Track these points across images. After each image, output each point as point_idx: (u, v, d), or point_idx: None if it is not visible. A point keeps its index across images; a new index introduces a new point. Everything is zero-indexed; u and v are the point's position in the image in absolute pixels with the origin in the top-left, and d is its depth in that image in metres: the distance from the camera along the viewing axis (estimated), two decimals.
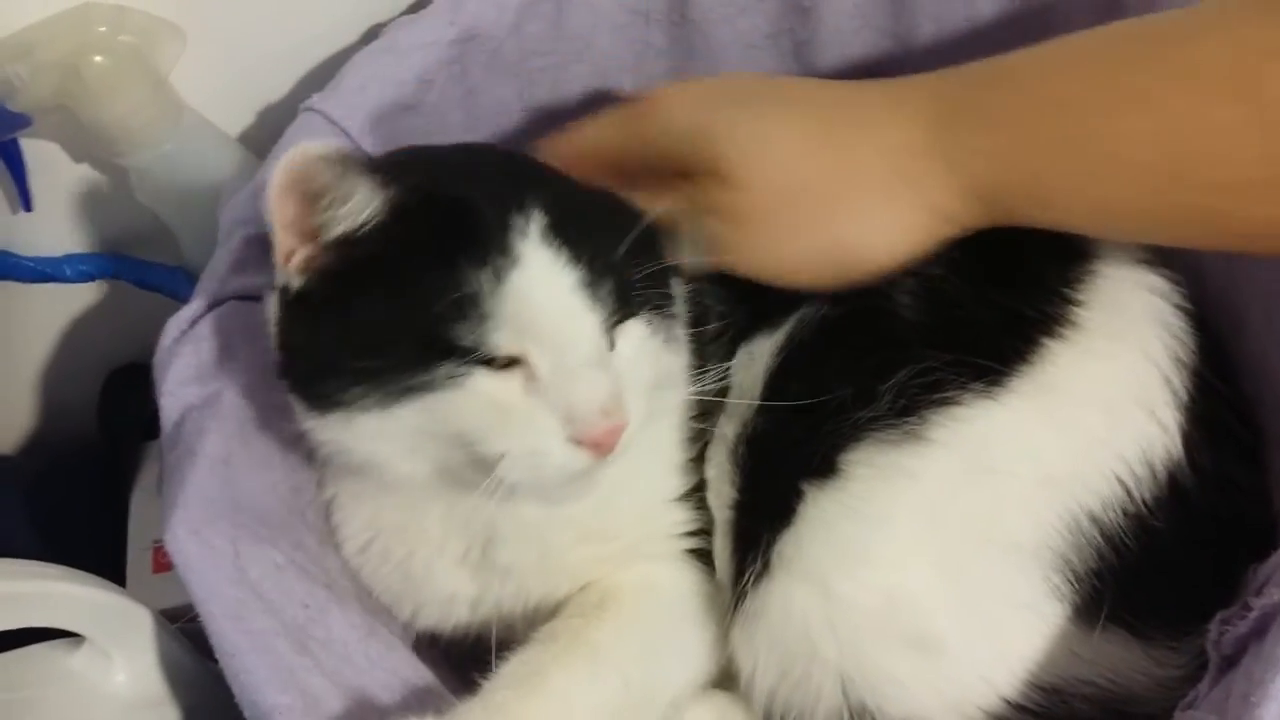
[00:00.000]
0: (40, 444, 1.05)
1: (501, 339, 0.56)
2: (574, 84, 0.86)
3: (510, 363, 0.57)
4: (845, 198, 0.64)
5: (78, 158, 0.86)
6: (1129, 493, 0.60)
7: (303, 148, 0.55)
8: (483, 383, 0.56)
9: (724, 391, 0.69)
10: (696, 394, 0.67)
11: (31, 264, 0.90)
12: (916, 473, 0.61)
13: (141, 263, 0.93)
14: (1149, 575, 0.60)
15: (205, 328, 0.70)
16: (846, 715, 0.62)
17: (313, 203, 0.56)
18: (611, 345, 0.59)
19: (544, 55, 0.84)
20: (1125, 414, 0.61)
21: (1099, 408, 0.62)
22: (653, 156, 0.68)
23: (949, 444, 0.61)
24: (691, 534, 0.70)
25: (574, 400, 0.56)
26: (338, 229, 0.57)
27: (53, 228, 0.90)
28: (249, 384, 0.68)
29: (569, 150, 0.70)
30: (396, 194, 0.57)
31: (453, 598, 0.68)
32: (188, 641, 0.71)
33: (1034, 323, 0.63)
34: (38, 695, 0.65)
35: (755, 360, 0.70)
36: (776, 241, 0.64)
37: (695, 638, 0.68)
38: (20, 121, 0.75)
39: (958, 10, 0.82)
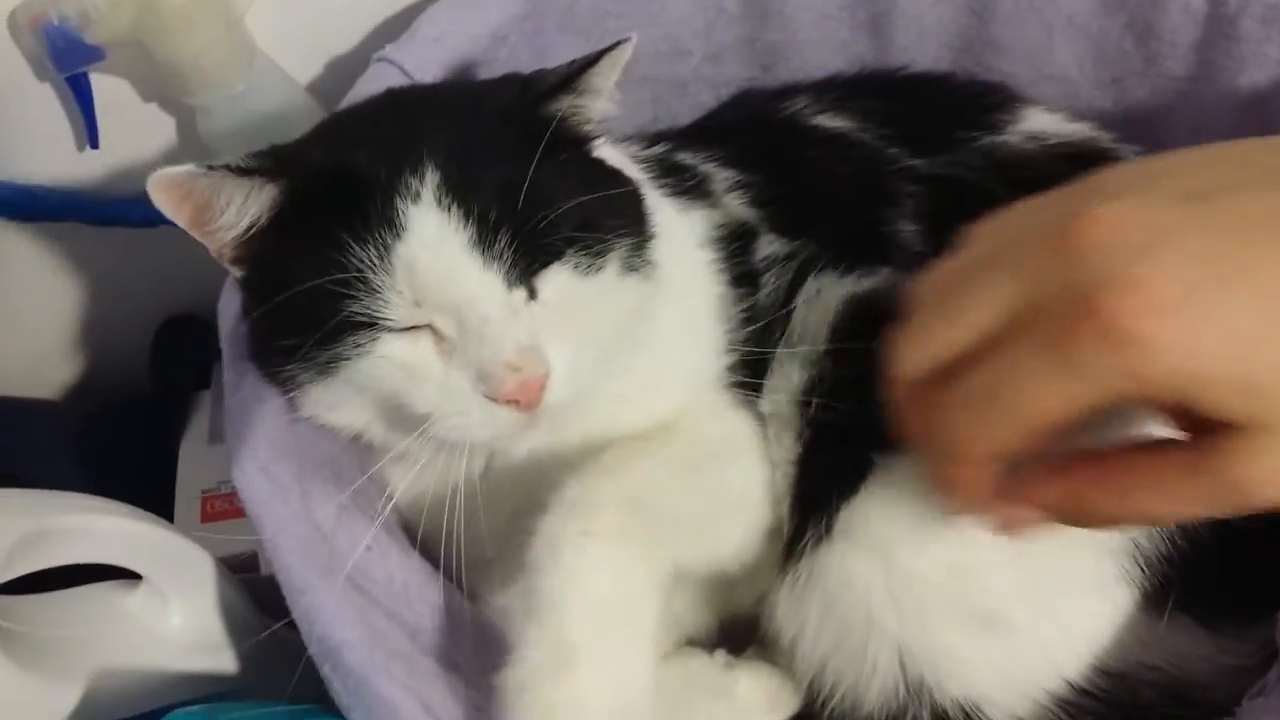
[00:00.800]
0: (91, 391, 1.06)
1: (396, 310, 0.56)
2: (645, 47, 0.85)
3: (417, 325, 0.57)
4: None
5: (146, 97, 0.86)
6: None
7: (158, 175, 0.56)
8: (390, 346, 0.57)
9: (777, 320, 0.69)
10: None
11: (95, 205, 0.90)
12: None
13: None
14: (1218, 564, 0.59)
15: None
16: (903, 690, 0.61)
17: (202, 211, 0.58)
18: (532, 294, 0.58)
19: (617, 17, 0.84)
20: None
21: None
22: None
23: None
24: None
25: (480, 359, 0.56)
26: (231, 233, 0.59)
27: (118, 169, 0.90)
28: None
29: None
30: (286, 182, 0.57)
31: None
32: (243, 588, 0.71)
33: None
34: (94, 633, 0.65)
35: (824, 298, 0.68)
36: None
37: (758, 466, 0.67)
38: (93, 54, 0.75)
39: None
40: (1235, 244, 0.44)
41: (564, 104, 0.60)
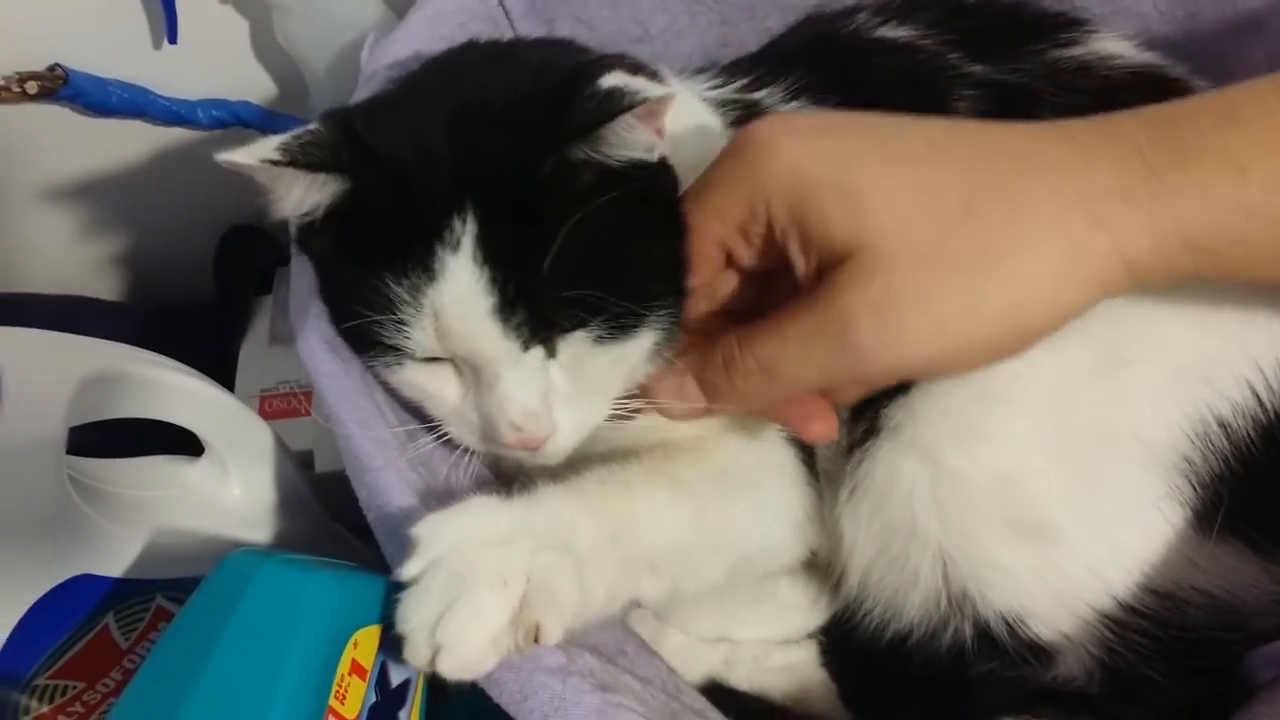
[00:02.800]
0: (157, 294, 1.07)
1: (420, 345, 0.56)
2: None
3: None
4: (1017, 254, 0.52)
5: None
6: (1260, 401, 0.58)
7: (223, 157, 0.56)
8: (414, 374, 0.58)
9: None
10: None
11: (166, 103, 0.91)
12: (1041, 357, 0.58)
13: (273, 113, 0.94)
14: (1273, 489, 0.58)
15: None
16: (944, 600, 0.61)
17: (266, 192, 0.57)
18: (552, 353, 0.57)
19: None
20: (1259, 317, 0.59)
21: (1233, 307, 0.59)
22: (749, 226, 0.56)
23: (1079, 332, 0.59)
24: None
25: (488, 414, 0.57)
26: (289, 214, 0.58)
27: (190, 69, 0.91)
28: None
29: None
30: (345, 180, 0.56)
31: None
32: (301, 468, 0.72)
33: None
34: (159, 497, 0.66)
35: None
36: (939, 325, 0.52)
37: (778, 500, 0.66)
38: None
39: None
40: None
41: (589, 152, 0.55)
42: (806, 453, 0.67)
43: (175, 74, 0.91)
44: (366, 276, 0.55)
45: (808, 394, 0.58)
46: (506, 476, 0.63)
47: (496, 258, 0.54)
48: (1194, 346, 0.59)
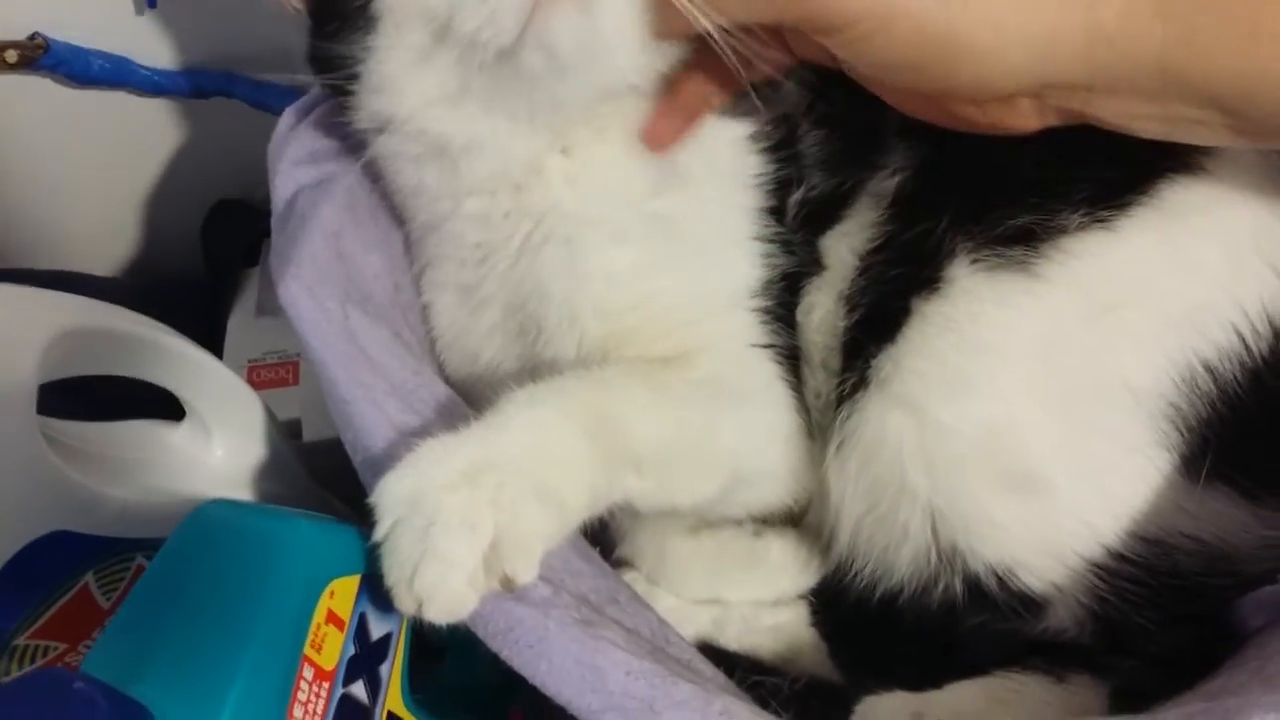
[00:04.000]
0: (144, 267, 1.07)
1: None
2: None
3: None
4: None
5: None
6: (1246, 346, 0.57)
7: None
8: None
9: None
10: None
11: (148, 73, 0.91)
12: (1028, 306, 0.59)
13: (258, 82, 0.94)
14: (1261, 434, 0.57)
15: (319, 115, 0.71)
16: (934, 556, 0.61)
17: None
18: None
19: None
20: (1247, 263, 0.58)
21: (1221, 252, 0.58)
22: None
23: (1063, 277, 0.59)
24: (766, 348, 0.66)
25: None
26: None
27: (171, 38, 0.91)
28: (358, 170, 0.68)
29: None
30: None
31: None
32: (284, 429, 0.72)
33: (1160, 155, 0.59)
34: (138, 458, 0.66)
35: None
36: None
37: (766, 419, 0.66)
38: None
39: None
40: None
41: None
42: (794, 379, 0.67)
43: (157, 44, 0.91)
44: None
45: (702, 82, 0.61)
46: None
47: None
48: (1180, 292, 0.58)
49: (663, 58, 0.62)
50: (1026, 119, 0.56)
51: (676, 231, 0.64)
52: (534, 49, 0.56)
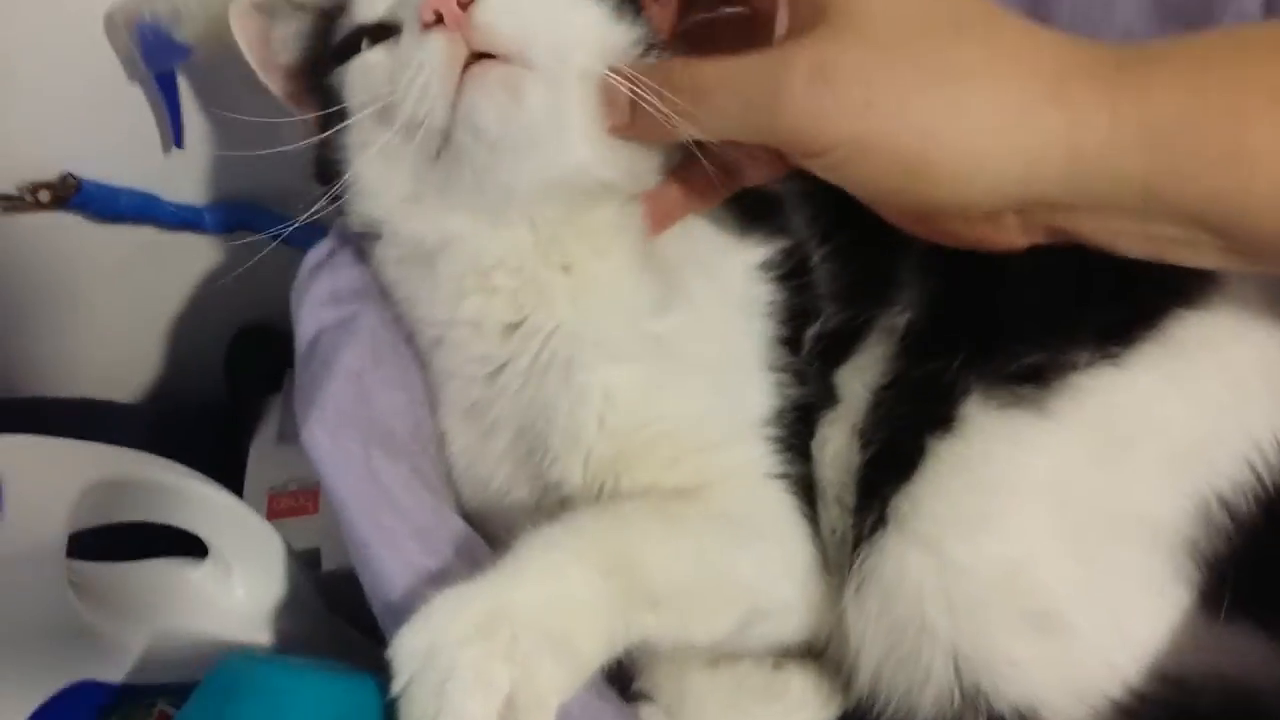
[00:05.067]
0: (167, 393, 1.08)
1: (372, 10, 0.65)
2: None
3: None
4: (970, 87, 0.52)
5: (227, 104, 0.87)
6: (1259, 478, 0.57)
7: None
8: (370, 55, 0.64)
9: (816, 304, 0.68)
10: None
11: (174, 209, 0.93)
12: (1040, 444, 0.59)
13: (280, 216, 0.95)
14: (1278, 566, 0.57)
15: (342, 259, 0.73)
16: (957, 697, 0.60)
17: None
18: None
19: None
20: (1255, 396, 0.59)
21: (1229, 386, 0.59)
22: None
23: (1075, 415, 0.59)
24: (780, 478, 0.66)
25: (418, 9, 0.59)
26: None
27: (197, 174, 0.93)
28: (380, 311, 0.71)
29: None
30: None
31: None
32: (306, 568, 0.72)
33: (1165, 292, 0.60)
34: (160, 600, 0.66)
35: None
36: (864, 107, 0.52)
37: (783, 553, 0.65)
38: (183, 52, 0.79)
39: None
40: None
41: None
42: (810, 511, 0.66)
43: (183, 180, 0.93)
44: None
45: (690, 186, 0.63)
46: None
47: None
48: (1191, 425, 0.59)
49: (645, 160, 0.64)
50: (1013, 236, 0.57)
51: (680, 354, 0.65)
52: (464, 130, 0.59)
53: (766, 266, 0.68)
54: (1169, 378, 0.59)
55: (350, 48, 0.66)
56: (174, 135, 0.85)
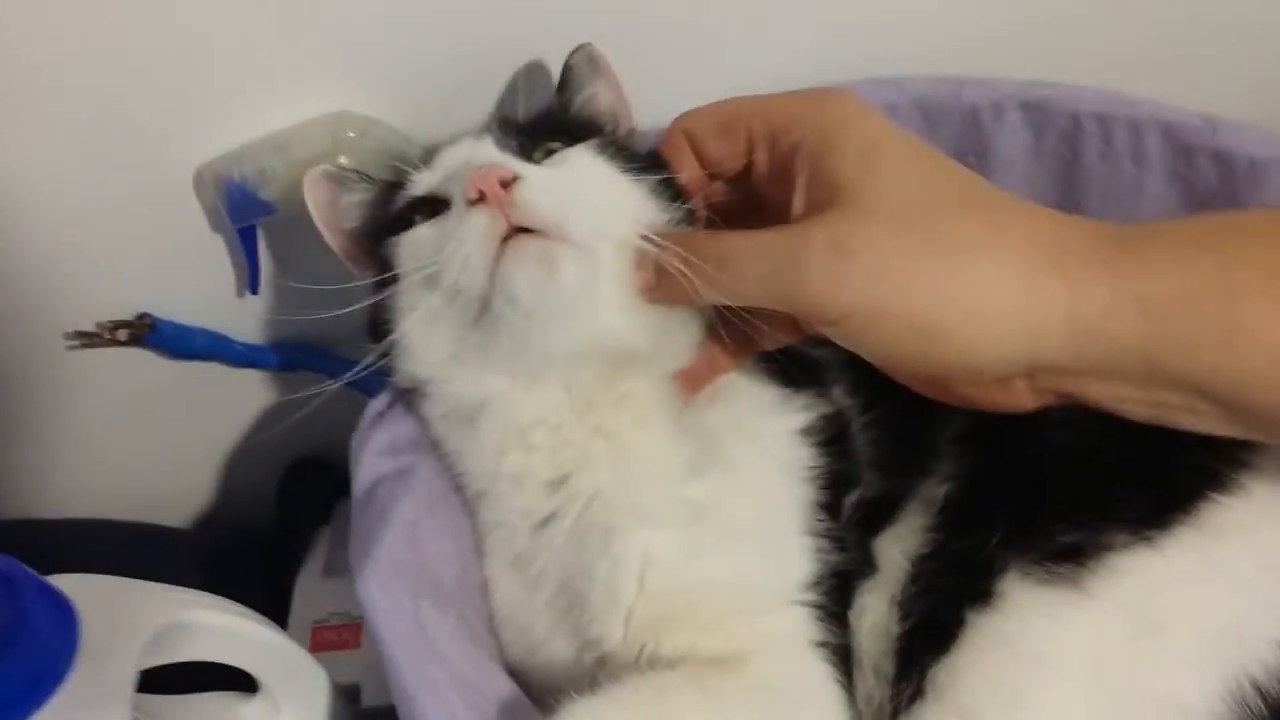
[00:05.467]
0: (217, 521, 1.12)
1: (422, 184, 0.72)
2: None
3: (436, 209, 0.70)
4: (979, 261, 0.55)
5: (300, 258, 0.93)
6: None
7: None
8: (419, 232, 0.70)
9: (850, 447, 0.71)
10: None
11: (242, 349, 0.97)
12: (1078, 621, 0.61)
13: (340, 359, 0.99)
14: None
15: (400, 410, 0.76)
16: None
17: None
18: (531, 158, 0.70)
19: None
20: None
21: (1265, 571, 0.61)
22: (775, 140, 0.65)
23: (1112, 595, 0.61)
24: (821, 646, 0.67)
25: (465, 174, 0.65)
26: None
27: (265, 317, 0.97)
28: (434, 462, 0.75)
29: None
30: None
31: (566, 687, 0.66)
32: (349, 705, 0.74)
33: (1198, 474, 0.62)
34: None
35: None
36: (878, 278, 0.56)
37: None
38: (266, 209, 0.83)
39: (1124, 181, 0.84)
40: None
41: None
42: (847, 681, 0.67)
43: (253, 322, 0.98)
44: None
45: (718, 348, 0.68)
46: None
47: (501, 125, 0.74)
48: (1225, 608, 0.60)
49: (674, 333, 0.68)
50: (1023, 399, 0.60)
51: (719, 518, 0.67)
52: (502, 298, 0.63)
53: (808, 432, 0.70)
54: (1203, 561, 0.61)
55: (404, 221, 0.71)
56: (251, 283, 0.89)
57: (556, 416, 0.69)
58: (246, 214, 0.84)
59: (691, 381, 0.70)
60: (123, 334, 0.90)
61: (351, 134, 0.82)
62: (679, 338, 0.69)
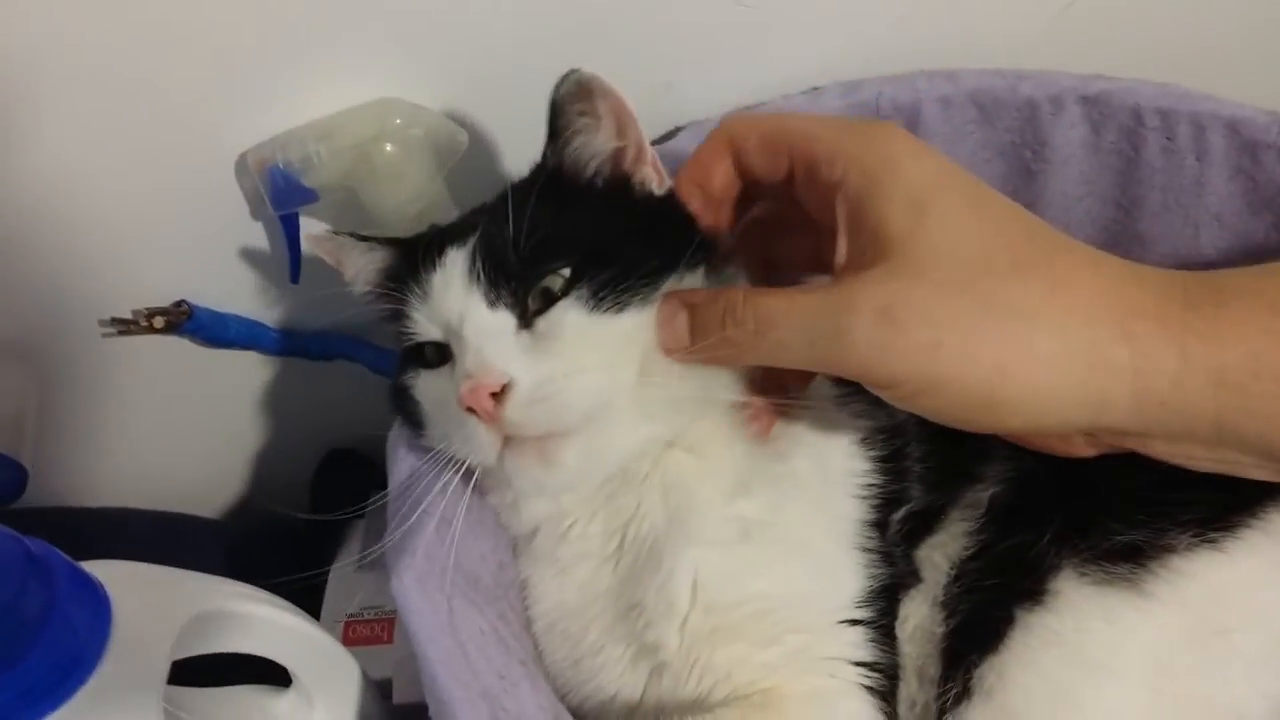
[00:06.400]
0: (249, 512, 1.11)
1: (422, 329, 0.68)
2: None
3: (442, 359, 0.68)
4: (1038, 327, 0.53)
5: None
6: None
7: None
8: (427, 381, 0.69)
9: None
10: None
11: (279, 336, 0.97)
12: (1138, 624, 0.60)
13: (378, 349, 0.99)
14: None
15: None
16: None
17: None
18: (526, 321, 0.64)
19: None
20: None
21: None
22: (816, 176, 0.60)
23: (1174, 598, 0.60)
24: (871, 668, 0.65)
25: (455, 377, 0.64)
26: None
27: (304, 305, 0.97)
28: None
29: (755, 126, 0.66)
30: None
31: (614, 696, 0.68)
32: (382, 701, 0.73)
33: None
34: None
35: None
36: (933, 349, 0.53)
37: None
38: (308, 196, 0.82)
39: (1185, 177, 0.81)
40: None
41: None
42: (889, 706, 0.66)
43: (291, 311, 0.97)
44: (397, 289, 0.70)
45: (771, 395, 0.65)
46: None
47: (485, 244, 0.66)
48: None
49: (707, 379, 0.66)
50: (1082, 449, 0.59)
51: (771, 534, 0.65)
52: (513, 477, 0.64)
53: (867, 444, 0.69)
54: (1269, 565, 0.59)
55: (416, 353, 0.71)
56: (292, 272, 0.88)
57: (608, 492, 0.68)
58: (289, 201, 0.83)
59: (764, 424, 0.68)
60: (159, 321, 0.89)
61: (398, 121, 0.81)
62: (718, 378, 0.67)
